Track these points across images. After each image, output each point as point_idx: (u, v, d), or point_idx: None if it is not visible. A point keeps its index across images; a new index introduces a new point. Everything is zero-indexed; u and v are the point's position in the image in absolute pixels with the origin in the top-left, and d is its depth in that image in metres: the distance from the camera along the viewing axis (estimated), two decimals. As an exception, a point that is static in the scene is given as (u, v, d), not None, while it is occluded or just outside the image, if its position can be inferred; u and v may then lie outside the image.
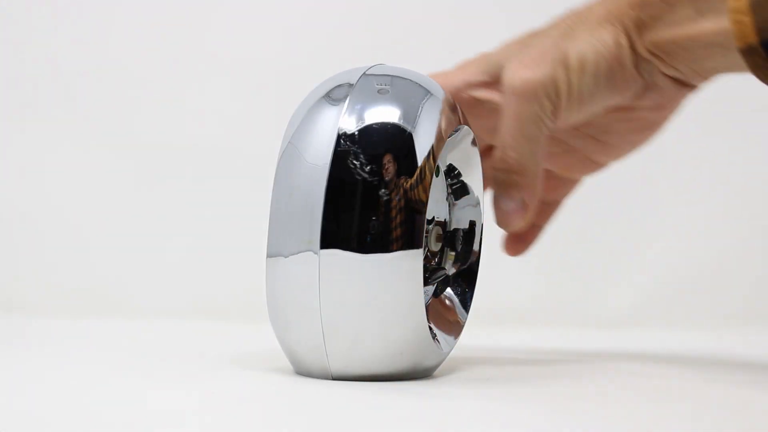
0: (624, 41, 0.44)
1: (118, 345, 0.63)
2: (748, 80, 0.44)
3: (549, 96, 0.44)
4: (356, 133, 0.41)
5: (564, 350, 0.64)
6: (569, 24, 0.46)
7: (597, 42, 0.44)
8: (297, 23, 1.00)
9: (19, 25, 0.98)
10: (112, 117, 0.97)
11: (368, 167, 0.40)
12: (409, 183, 0.41)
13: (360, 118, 0.41)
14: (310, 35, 0.99)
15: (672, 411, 0.38)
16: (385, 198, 0.40)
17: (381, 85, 0.43)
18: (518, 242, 0.53)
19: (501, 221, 0.47)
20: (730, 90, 0.64)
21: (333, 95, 0.43)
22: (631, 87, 0.46)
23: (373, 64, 0.45)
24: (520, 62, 0.45)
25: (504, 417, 0.36)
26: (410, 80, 0.44)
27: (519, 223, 0.46)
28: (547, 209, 0.54)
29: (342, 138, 0.41)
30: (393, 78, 0.44)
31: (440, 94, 0.44)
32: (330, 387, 0.42)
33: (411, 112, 0.42)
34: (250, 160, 0.96)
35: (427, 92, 0.43)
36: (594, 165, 0.52)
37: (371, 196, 0.40)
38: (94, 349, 0.60)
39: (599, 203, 0.83)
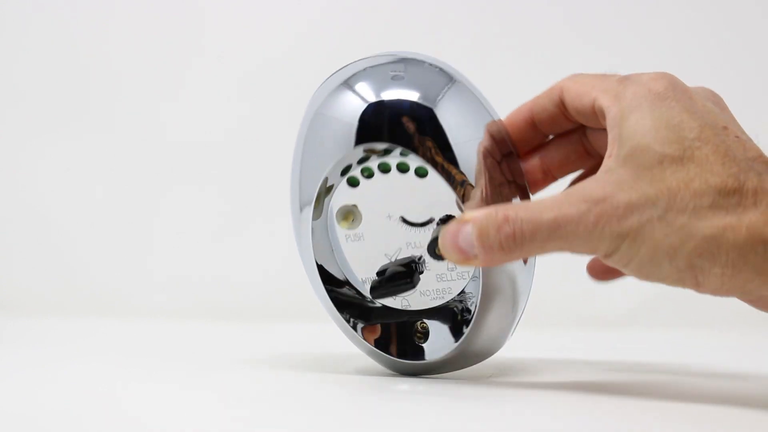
0: None
1: (123, 344, 0.63)
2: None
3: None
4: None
5: (564, 350, 0.64)
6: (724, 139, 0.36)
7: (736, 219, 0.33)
8: (298, 23, 1.00)
9: (26, 24, 0.98)
10: (114, 117, 0.97)
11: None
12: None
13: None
14: (306, 37, 0.99)
15: (672, 411, 0.38)
16: None
17: (395, 71, 0.43)
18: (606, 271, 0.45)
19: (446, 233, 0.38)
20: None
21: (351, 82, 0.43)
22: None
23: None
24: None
25: (504, 416, 0.36)
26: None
27: (450, 252, 0.38)
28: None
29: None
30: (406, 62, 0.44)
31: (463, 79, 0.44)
32: (326, 386, 0.42)
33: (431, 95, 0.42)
34: (256, 160, 0.96)
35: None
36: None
37: None
38: (91, 348, 0.60)
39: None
